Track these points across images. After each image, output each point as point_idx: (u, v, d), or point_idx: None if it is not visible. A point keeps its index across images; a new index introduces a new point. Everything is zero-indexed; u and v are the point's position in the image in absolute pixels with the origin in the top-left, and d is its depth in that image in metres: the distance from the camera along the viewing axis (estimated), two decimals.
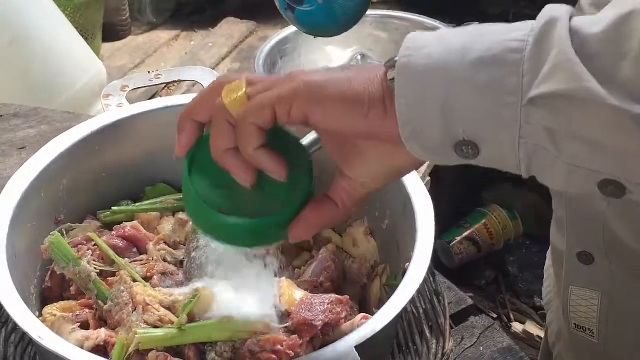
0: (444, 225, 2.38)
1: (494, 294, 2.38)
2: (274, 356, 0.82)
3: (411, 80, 0.60)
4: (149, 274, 0.92)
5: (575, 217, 0.89)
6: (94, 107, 1.95)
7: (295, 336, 0.84)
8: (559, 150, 0.57)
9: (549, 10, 0.58)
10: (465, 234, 2.42)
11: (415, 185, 0.91)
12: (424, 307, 0.97)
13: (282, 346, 0.83)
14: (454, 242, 2.39)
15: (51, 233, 0.90)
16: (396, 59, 0.61)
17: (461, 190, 2.43)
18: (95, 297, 0.88)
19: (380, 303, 0.85)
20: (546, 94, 0.56)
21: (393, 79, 0.61)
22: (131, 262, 0.93)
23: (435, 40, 0.60)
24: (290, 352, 0.82)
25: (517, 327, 2.26)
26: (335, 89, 0.63)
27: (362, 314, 0.87)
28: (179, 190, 1.05)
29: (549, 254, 1.03)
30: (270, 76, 0.70)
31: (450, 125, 0.60)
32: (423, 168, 1.82)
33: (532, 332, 2.23)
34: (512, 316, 2.31)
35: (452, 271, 2.37)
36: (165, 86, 2.05)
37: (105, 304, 0.87)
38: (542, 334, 2.15)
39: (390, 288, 0.93)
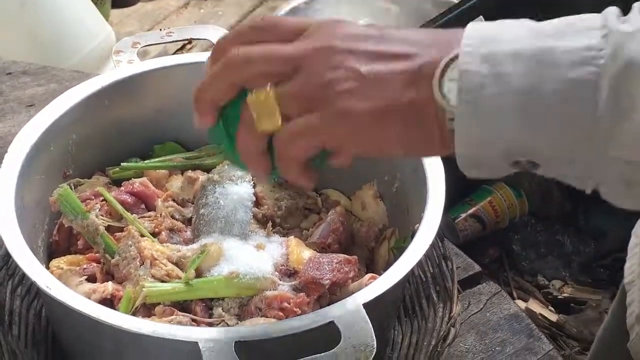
0: (449, 202, 2.38)
1: (497, 272, 2.38)
2: (281, 313, 0.82)
3: (473, 124, 0.56)
4: (156, 229, 0.91)
5: None
6: (102, 71, 1.95)
7: (302, 294, 0.84)
8: (630, 192, 0.57)
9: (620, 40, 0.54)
10: (470, 211, 2.41)
11: None
12: (431, 271, 0.97)
13: (289, 303, 0.83)
14: (459, 219, 2.38)
15: (60, 185, 0.90)
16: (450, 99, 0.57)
17: None
18: (103, 250, 0.88)
19: (388, 266, 0.85)
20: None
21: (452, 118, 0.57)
22: (139, 218, 0.92)
23: (493, 79, 0.55)
24: (297, 309, 0.82)
25: (519, 304, 2.26)
26: (381, 124, 0.59)
27: (370, 274, 0.86)
28: (188, 149, 1.04)
29: (634, 231, 1.00)
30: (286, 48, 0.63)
31: (511, 156, 0.57)
32: None
33: (534, 309, 2.23)
34: (515, 294, 2.31)
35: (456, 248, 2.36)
36: (179, 49, 2.05)
37: (113, 258, 0.87)
38: (544, 312, 2.16)
39: (398, 251, 0.93)
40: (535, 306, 2.26)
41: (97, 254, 0.89)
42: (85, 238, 0.90)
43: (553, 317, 2.21)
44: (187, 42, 2.17)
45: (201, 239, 0.89)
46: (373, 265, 0.96)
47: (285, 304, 0.83)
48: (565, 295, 2.28)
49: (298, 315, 0.81)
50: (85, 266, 0.88)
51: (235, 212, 0.89)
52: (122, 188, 0.96)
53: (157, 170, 1.00)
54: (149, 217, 0.93)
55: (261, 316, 0.83)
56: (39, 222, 0.91)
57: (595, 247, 2.35)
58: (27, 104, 1.25)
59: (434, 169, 0.88)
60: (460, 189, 2.44)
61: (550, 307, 2.25)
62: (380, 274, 0.84)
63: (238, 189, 0.91)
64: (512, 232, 2.46)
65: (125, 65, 1.00)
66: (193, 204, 0.96)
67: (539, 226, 2.46)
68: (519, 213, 2.45)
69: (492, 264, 2.42)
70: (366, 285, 0.81)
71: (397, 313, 0.94)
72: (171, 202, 0.96)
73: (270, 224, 0.95)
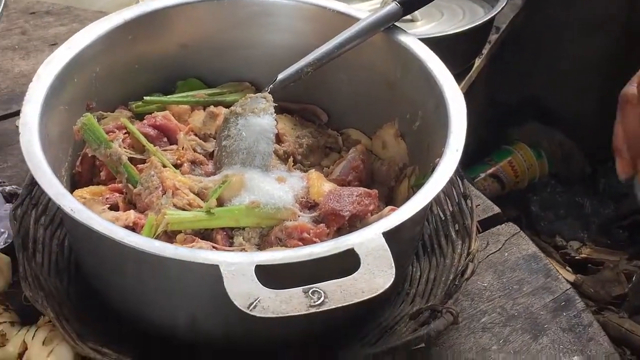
0: (469, 161, 2.37)
1: (492, 203, 2.37)
2: (300, 243, 0.83)
3: None
4: (179, 161, 0.92)
5: None
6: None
7: (322, 225, 0.85)
8: None
9: None
10: (490, 171, 2.40)
11: (449, 85, 0.90)
12: (451, 209, 0.97)
13: (309, 234, 0.83)
14: (478, 179, 2.38)
15: (83, 115, 0.90)
16: None
17: (487, 127, 2.41)
18: (125, 180, 0.89)
19: None
20: None
21: None
22: (162, 150, 0.93)
23: None
24: (317, 240, 0.83)
25: None
26: None
27: (390, 207, 0.87)
28: (210, 86, 1.04)
29: None
30: None
31: None
32: None
33: None
34: None
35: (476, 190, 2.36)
36: None
37: (135, 187, 0.88)
38: (562, 272, 2.15)
39: (418, 188, 0.93)
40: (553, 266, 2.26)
41: (119, 184, 0.90)
42: (108, 169, 0.90)
43: (570, 277, 2.21)
44: None
45: (223, 170, 0.89)
46: (392, 203, 0.96)
47: (305, 234, 0.83)
48: (582, 256, 2.28)
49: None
50: (107, 196, 0.89)
51: (257, 143, 0.90)
52: (145, 121, 0.96)
53: (180, 105, 1.00)
54: (171, 149, 0.94)
55: (281, 246, 0.83)
56: (62, 153, 0.92)
57: (614, 209, 2.34)
58: (50, 42, 1.26)
59: (456, 106, 0.88)
60: (480, 148, 2.44)
61: (567, 267, 2.25)
62: None
63: (260, 120, 0.91)
64: (531, 194, 2.45)
65: (149, 0, 1.00)
66: (214, 138, 0.97)
67: (559, 188, 2.45)
68: (539, 174, 2.44)
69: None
70: (386, 216, 0.82)
71: (415, 250, 0.95)
72: (193, 136, 0.97)
73: (291, 159, 0.96)
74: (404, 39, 0.96)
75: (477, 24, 1.54)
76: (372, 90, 1.01)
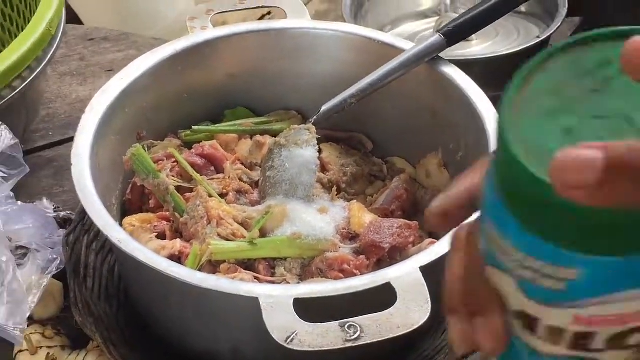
0: None
1: None
2: (341, 274, 0.84)
3: None
4: (224, 190, 0.94)
5: None
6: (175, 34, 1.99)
7: (362, 257, 0.86)
8: None
9: None
10: None
11: (490, 114, 0.91)
12: None
13: (349, 265, 0.85)
14: None
15: (133, 145, 0.93)
16: None
17: None
18: (172, 209, 0.91)
19: None
20: None
21: None
22: (208, 179, 0.96)
23: None
24: (357, 271, 0.84)
25: None
26: None
27: (429, 239, 0.88)
28: (257, 115, 1.07)
29: None
30: None
31: None
32: None
33: None
34: None
35: None
36: (259, 18, 2.07)
37: (182, 216, 0.90)
38: None
39: None
40: None
41: (166, 213, 0.93)
42: (156, 197, 0.93)
43: None
44: (267, 12, 2.19)
45: (267, 200, 0.91)
46: (435, 233, 0.97)
47: (346, 266, 0.85)
48: None
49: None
50: (155, 224, 0.92)
51: (299, 175, 0.92)
52: (193, 150, 0.99)
53: (227, 134, 1.03)
54: (217, 178, 0.96)
55: (322, 277, 0.85)
56: (113, 182, 0.95)
57: None
58: (106, 68, 1.30)
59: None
60: None
61: None
62: None
63: (303, 152, 0.93)
64: None
65: (198, 31, 1.03)
66: (260, 167, 0.99)
67: None
68: None
69: None
70: (425, 249, 0.83)
71: None
72: (239, 165, 0.99)
73: (335, 188, 0.97)
74: (446, 69, 0.97)
75: (531, 44, 1.54)
76: (416, 119, 1.02)
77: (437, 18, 1.35)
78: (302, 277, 0.86)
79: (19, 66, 0.99)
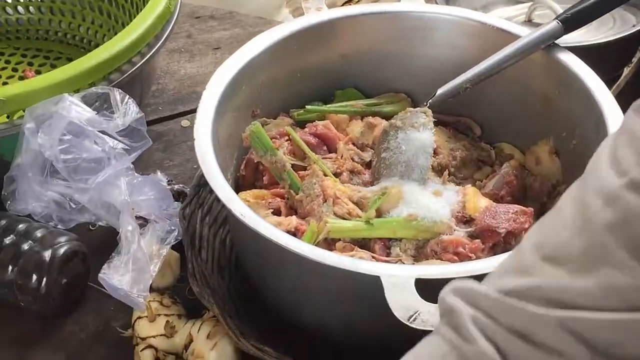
0: None
1: None
2: (456, 257, 0.85)
3: None
4: (338, 170, 0.96)
5: None
6: (277, 17, 2.00)
7: (477, 240, 0.86)
8: None
9: None
10: None
11: (609, 103, 0.90)
12: None
13: (464, 249, 0.85)
14: None
15: (252, 122, 0.95)
16: None
17: None
18: (288, 186, 0.93)
19: None
20: None
21: None
22: (322, 158, 0.97)
23: None
24: (472, 255, 0.85)
25: None
26: None
27: None
28: (367, 96, 1.08)
29: None
30: None
31: None
32: None
33: None
34: None
35: None
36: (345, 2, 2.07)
37: (297, 194, 0.92)
38: None
39: None
40: None
41: (281, 190, 0.94)
42: (271, 174, 0.95)
43: None
44: None
45: (381, 181, 0.93)
46: None
47: (461, 249, 0.86)
48: None
49: (472, 260, 0.84)
50: (270, 200, 0.94)
51: (416, 157, 0.93)
52: (306, 129, 1.00)
53: (338, 115, 1.04)
54: (330, 158, 0.98)
55: (436, 259, 0.86)
56: (229, 157, 0.97)
57: None
58: (213, 46, 1.32)
59: (617, 124, 0.88)
60: None
61: None
62: None
63: (420, 135, 0.93)
64: None
65: (313, 12, 1.04)
66: (372, 148, 1.00)
67: None
68: None
69: None
70: None
71: None
72: (351, 146, 1.00)
73: (446, 172, 0.98)
74: (563, 56, 0.97)
75: (628, 32, 1.51)
76: (528, 106, 1.02)
77: (530, 4, 1.34)
78: (417, 258, 0.87)
79: (140, 42, 1.02)
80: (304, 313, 0.89)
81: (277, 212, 0.93)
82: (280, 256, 0.81)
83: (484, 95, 1.04)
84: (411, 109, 0.97)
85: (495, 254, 0.86)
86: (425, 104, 0.99)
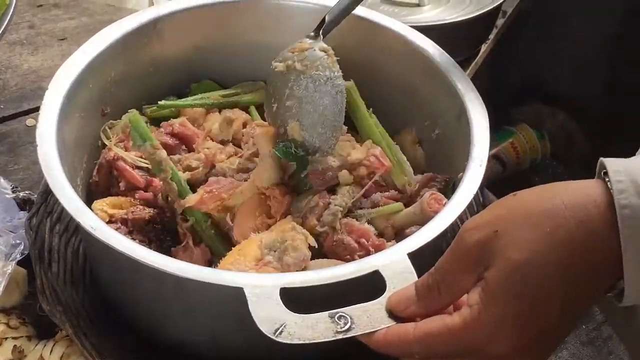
0: None
1: None
2: (356, 245, 0.85)
3: None
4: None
5: None
6: (129, 1, 1.92)
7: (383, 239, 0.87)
8: None
9: None
10: (491, 152, 2.39)
11: (470, 95, 0.89)
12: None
13: (368, 241, 0.86)
14: None
15: (129, 110, 0.89)
16: None
17: (489, 108, 2.40)
18: (170, 179, 0.87)
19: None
20: None
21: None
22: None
23: None
24: (372, 250, 0.85)
25: None
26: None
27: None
28: (225, 87, 1.03)
29: None
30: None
31: None
32: None
33: None
34: None
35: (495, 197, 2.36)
36: None
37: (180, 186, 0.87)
38: None
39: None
40: None
41: (152, 191, 0.90)
42: (128, 179, 0.90)
43: None
44: None
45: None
46: None
47: (364, 240, 0.85)
48: None
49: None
50: (133, 210, 0.88)
51: (332, 104, 0.88)
52: (162, 129, 0.95)
53: (194, 109, 0.99)
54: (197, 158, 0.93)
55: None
56: (78, 162, 0.90)
57: None
58: (59, 37, 1.24)
59: (478, 117, 0.87)
60: None
61: None
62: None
63: (328, 76, 0.88)
64: (533, 174, 2.45)
65: (163, 3, 0.98)
66: (234, 144, 0.96)
67: (560, 168, 2.45)
68: (541, 155, 2.43)
69: None
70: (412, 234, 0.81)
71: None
72: (211, 142, 0.95)
73: None
74: (425, 46, 0.95)
75: (485, 10, 1.52)
76: (391, 96, 1.00)
77: None
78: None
79: None
80: (166, 330, 0.84)
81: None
82: (136, 271, 0.76)
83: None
84: (305, 45, 0.89)
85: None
86: (312, 33, 0.91)
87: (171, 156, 0.91)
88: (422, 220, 0.84)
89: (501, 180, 2.40)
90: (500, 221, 0.60)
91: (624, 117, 2.12)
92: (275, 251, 0.82)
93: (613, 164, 0.58)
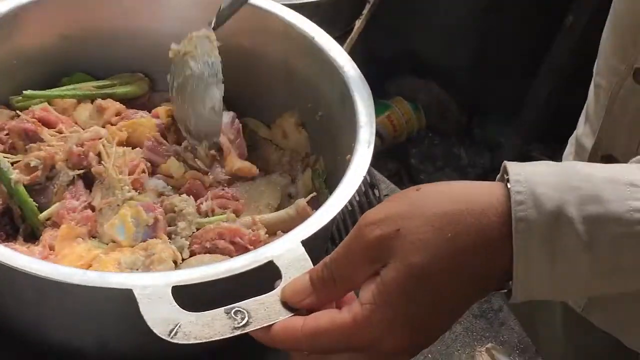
0: None
1: (397, 186, 2.41)
2: (231, 246, 0.83)
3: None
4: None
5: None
6: None
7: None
8: None
9: None
10: None
11: (354, 76, 0.88)
12: (357, 199, 0.96)
13: (243, 239, 0.84)
14: None
15: None
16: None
17: None
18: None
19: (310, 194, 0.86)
20: None
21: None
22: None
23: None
24: (251, 246, 0.81)
25: None
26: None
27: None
28: (97, 79, 0.98)
29: (570, 140, 1.02)
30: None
31: None
32: None
33: None
34: None
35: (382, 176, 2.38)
36: None
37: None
38: None
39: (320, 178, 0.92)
40: None
41: None
42: None
43: None
44: None
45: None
46: (296, 194, 0.94)
47: (239, 239, 0.83)
48: None
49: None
50: None
51: (207, 87, 0.90)
52: (22, 116, 0.89)
53: (65, 100, 0.93)
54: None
55: (212, 246, 0.82)
56: None
57: (490, 159, 2.40)
58: None
59: (364, 98, 0.86)
60: None
61: None
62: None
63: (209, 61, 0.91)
64: (410, 147, 2.48)
65: None
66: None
67: (436, 139, 2.49)
68: (417, 127, 2.46)
69: (392, 177, 2.44)
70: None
71: (326, 247, 0.93)
72: (76, 127, 0.91)
73: None
74: (306, 27, 0.93)
75: None
76: (272, 79, 0.97)
77: None
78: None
79: None
80: (52, 337, 0.79)
81: None
82: (15, 279, 0.71)
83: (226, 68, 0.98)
84: (197, 33, 0.90)
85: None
86: (209, 23, 0.91)
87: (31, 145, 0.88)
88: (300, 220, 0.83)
89: (379, 153, 2.43)
90: (403, 220, 0.59)
91: (494, 86, 2.18)
92: (137, 269, 0.79)
93: (515, 171, 0.59)
